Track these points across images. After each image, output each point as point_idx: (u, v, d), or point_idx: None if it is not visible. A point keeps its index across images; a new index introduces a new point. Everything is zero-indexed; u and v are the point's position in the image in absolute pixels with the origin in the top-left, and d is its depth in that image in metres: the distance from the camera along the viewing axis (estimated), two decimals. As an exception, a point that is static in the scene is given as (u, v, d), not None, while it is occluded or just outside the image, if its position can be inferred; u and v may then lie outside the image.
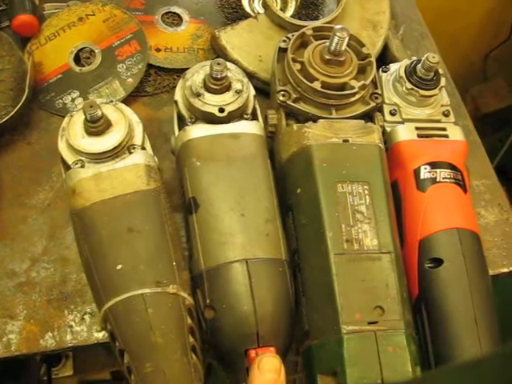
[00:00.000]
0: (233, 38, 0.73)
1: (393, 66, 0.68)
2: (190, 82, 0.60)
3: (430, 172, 0.60)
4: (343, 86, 0.61)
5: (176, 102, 0.61)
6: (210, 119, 0.59)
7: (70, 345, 0.58)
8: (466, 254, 0.56)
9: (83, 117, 0.55)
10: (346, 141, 0.59)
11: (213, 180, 0.56)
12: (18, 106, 0.66)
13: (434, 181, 0.60)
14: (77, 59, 0.73)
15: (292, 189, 0.58)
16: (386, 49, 0.76)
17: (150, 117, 0.72)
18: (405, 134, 0.63)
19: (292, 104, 0.61)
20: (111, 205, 0.54)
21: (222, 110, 0.58)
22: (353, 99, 0.61)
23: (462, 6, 1.45)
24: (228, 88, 0.60)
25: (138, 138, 0.58)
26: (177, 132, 0.60)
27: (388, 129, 0.64)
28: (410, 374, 0.49)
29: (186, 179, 0.57)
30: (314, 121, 0.60)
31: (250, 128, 0.59)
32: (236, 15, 0.78)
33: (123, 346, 0.51)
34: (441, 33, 1.07)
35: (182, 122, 0.61)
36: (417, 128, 0.63)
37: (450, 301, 0.55)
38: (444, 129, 0.64)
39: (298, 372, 0.72)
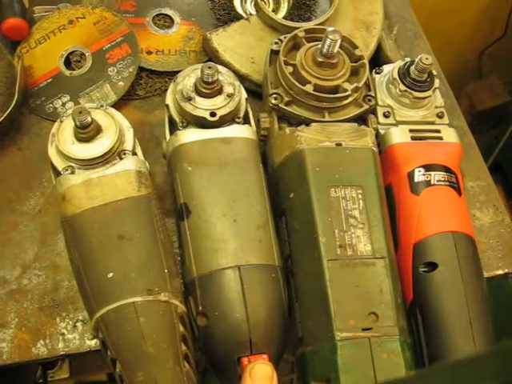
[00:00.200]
0: (225, 40, 0.72)
1: (386, 68, 0.67)
2: (181, 85, 0.59)
3: (424, 175, 0.60)
4: (336, 89, 0.61)
5: (167, 106, 0.60)
6: (202, 123, 0.58)
7: (62, 353, 0.58)
8: (461, 258, 0.56)
9: (73, 123, 0.54)
10: (339, 144, 0.58)
11: (204, 185, 0.55)
12: (8, 111, 0.65)
13: (428, 184, 0.59)
14: (67, 63, 0.72)
15: (285, 193, 0.58)
16: (379, 49, 0.76)
17: (142, 120, 0.71)
18: (398, 136, 0.62)
19: (284, 107, 0.61)
20: (102, 212, 0.53)
21: (213, 114, 0.58)
22: (346, 102, 0.61)
23: (456, 4, 1.44)
24: (219, 92, 0.59)
25: (128, 144, 0.57)
26: (168, 137, 0.60)
27: (382, 131, 0.63)
28: (404, 381, 0.49)
29: (177, 184, 0.57)
30: (307, 124, 0.60)
31: (241, 132, 0.59)
32: (228, 17, 0.77)
33: (115, 355, 0.50)
34: (435, 31, 1.07)
35: (173, 127, 0.61)
36: (411, 130, 0.63)
37: (445, 305, 0.55)
38: (438, 131, 0.64)
39: (295, 372, 0.72)
